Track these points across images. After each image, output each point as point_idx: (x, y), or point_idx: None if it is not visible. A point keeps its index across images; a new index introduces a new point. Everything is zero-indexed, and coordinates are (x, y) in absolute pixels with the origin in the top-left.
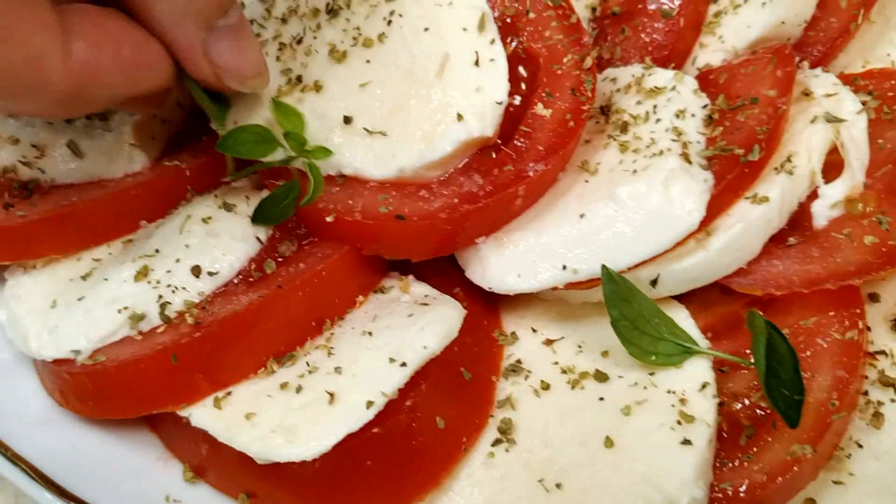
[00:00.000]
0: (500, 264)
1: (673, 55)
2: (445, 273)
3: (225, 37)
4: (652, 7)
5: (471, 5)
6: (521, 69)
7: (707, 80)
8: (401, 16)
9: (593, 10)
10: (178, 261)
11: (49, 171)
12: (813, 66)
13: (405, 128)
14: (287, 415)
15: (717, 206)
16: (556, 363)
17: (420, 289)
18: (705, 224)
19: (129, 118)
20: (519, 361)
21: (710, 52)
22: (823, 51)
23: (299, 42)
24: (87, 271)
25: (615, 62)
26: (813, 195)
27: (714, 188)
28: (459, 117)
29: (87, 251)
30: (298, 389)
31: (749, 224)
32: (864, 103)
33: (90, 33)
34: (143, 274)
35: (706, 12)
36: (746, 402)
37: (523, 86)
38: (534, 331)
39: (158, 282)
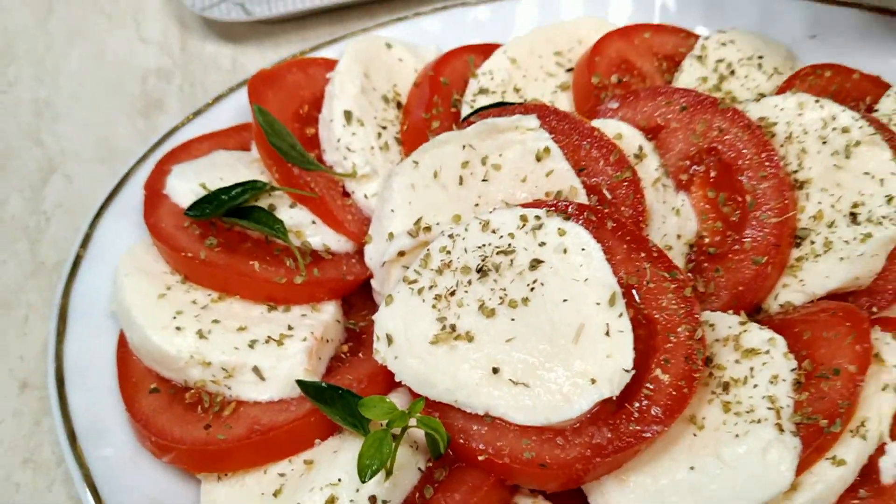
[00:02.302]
0: (621, 502)
1: (759, 292)
2: (571, 491)
3: None
4: (742, 253)
5: (603, 283)
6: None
7: (792, 333)
8: (542, 285)
9: (691, 246)
10: (357, 490)
11: (234, 389)
12: (881, 310)
13: (546, 385)
14: None
15: (802, 466)
16: None
17: None
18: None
19: (302, 343)
20: None
21: (792, 291)
22: (890, 298)
23: (452, 294)
24: (277, 487)
25: (709, 296)
26: (880, 450)
27: (802, 453)
28: (593, 381)
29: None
30: None
31: (829, 485)
32: None
33: None
34: (330, 503)
35: (789, 255)
36: None
37: (639, 346)
38: None
39: None
